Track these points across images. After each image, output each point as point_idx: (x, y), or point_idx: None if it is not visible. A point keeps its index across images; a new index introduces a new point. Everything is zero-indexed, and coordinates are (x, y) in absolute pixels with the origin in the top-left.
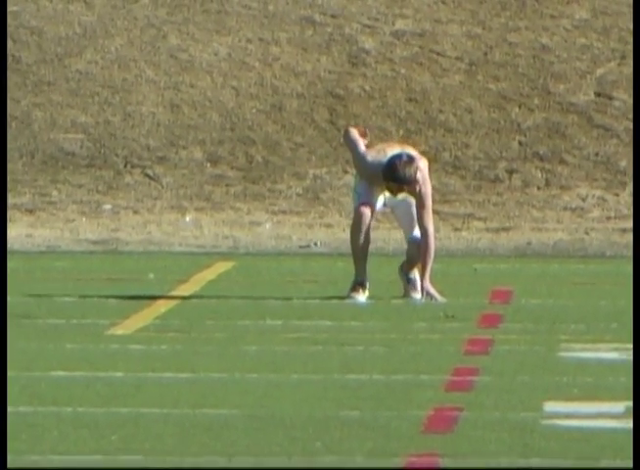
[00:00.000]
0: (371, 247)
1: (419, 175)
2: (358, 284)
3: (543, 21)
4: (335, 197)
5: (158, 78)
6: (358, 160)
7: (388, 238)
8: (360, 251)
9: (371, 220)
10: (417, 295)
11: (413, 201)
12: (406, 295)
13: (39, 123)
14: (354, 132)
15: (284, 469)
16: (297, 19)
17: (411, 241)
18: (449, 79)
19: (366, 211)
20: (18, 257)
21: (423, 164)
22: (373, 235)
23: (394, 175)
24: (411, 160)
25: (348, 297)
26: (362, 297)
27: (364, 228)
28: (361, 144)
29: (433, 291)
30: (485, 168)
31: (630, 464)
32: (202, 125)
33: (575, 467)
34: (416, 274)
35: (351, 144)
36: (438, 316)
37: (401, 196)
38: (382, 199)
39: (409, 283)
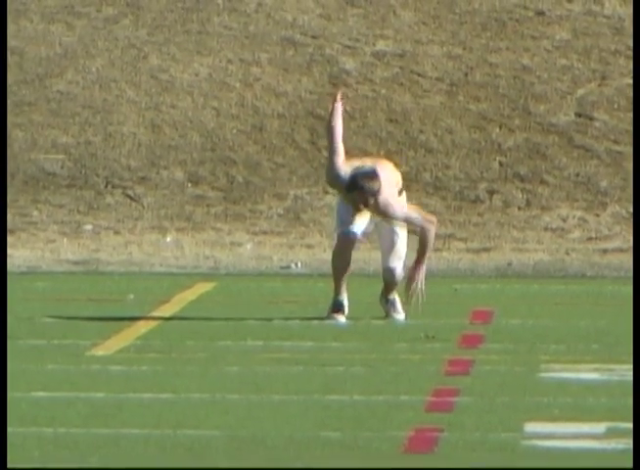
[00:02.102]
0: (352, 267)
1: (386, 192)
2: (338, 305)
3: (524, 41)
4: (316, 217)
5: (138, 99)
6: (330, 168)
7: (368, 259)
8: (340, 273)
9: (353, 246)
10: (399, 315)
11: (397, 229)
12: (388, 316)
13: (20, 144)
14: (338, 132)
15: None
16: (278, 39)
17: (386, 268)
18: (430, 100)
19: (348, 238)
20: None
21: (396, 177)
22: (353, 256)
23: (355, 185)
24: (375, 175)
25: (329, 317)
26: (342, 318)
27: (346, 254)
28: (340, 152)
29: (423, 283)
30: (466, 189)
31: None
32: (182, 146)
33: None
34: (395, 295)
35: (331, 146)
36: (419, 337)
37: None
38: (366, 221)
39: (388, 304)
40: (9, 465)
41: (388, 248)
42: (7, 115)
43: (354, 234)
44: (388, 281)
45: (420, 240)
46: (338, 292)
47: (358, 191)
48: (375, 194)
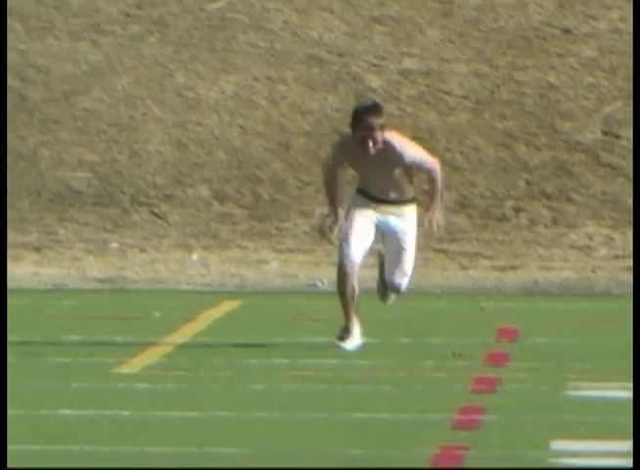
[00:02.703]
0: (359, 290)
1: (398, 137)
2: (343, 330)
3: (550, 59)
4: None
5: (164, 116)
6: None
7: None
8: (346, 300)
9: (354, 273)
10: (347, 344)
11: (405, 244)
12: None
13: (46, 161)
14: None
15: None
16: (304, 57)
17: (391, 281)
18: (456, 118)
19: (348, 267)
20: (25, 295)
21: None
22: (376, 274)
23: (359, 120)
24: (378, 109)
25: (335, 344)
26: (347, 344)
27: (348, 282)
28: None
29: (441, 220)
30: (492, 207)
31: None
32: (208, 163)
33: None
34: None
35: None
36: (445, 355)
37: (393, 221)
38: (369, 241)
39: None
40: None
41: (395, 262)
42: (7, 122)
43: (353, 262)
44: (390, 291)
45: (432, 183)
46: (346, 318)
47: (363, 127)
48: (382, 128)
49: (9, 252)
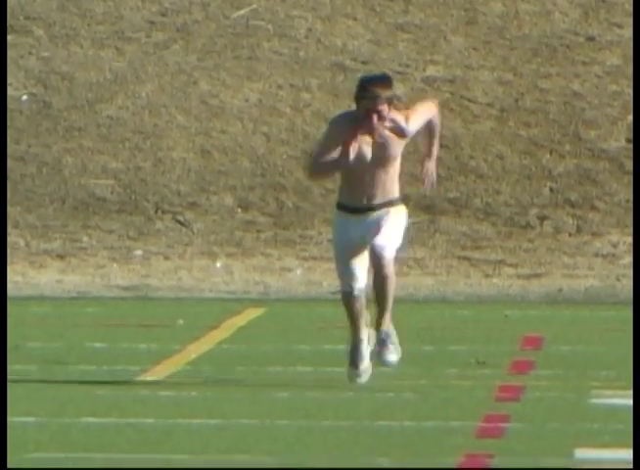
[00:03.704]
0: (402, 293)
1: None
2: (350, 355)
3: (574, 67)
4: None
5: (188, 124)
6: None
7: (418, 284)
8: (354, 321)
9: (361, 300)
10: (392, 357)
11: (387, 221)
12: (378, 357)
13: (70, 169)
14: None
15: None
16: (328, 64)
17: (375, 245)
18: (480, 125)
19: (353, 298)
20: (48, 302)
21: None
22: (403, 281)
23: (364, 91)
24: (387, 81)
25: (349, 377)
26: (363, 375)
27: (355, 310)
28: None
29: (434, 173)
30: (517, 215)
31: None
32: (232, 171)
33: None
34: (389, 327)
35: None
36: (469, 363)
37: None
38: (366, 265)
39: (380, 344)
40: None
41: (378, 233)
42: (7, 127)
43: (360, 291)
44: (374, 259)
45: (432, 131)
46: (354, 335)
47: (368, 97)
48: (390, 102)
49: (33, 259)
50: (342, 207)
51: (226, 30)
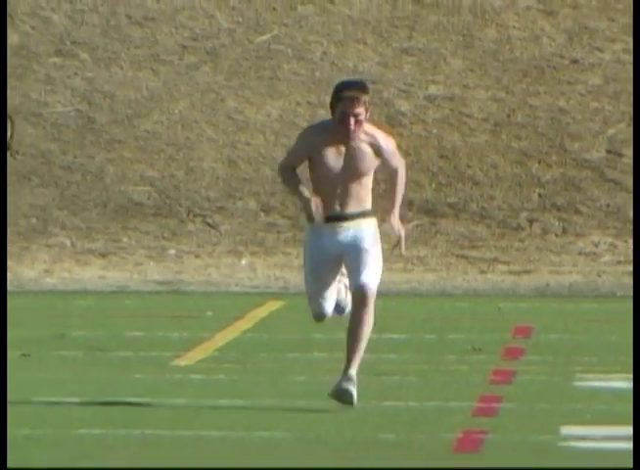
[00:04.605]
0: (405, 288)
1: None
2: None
3: (560, 86)
4: None
5: (217, 137)
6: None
7: (421, 280)
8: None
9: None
10: (353, 389)
11: (365, 246)
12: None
13: (111, 177)
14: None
15: None
16: None
17: (359, 285)
18: (476, 138)
19: (320, 320)
20: (92, 296)
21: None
22: (407, 277)
23: (340, 93)
24: (363, 87)
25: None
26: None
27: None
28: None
29: (402, 233)
30: (509, 218)
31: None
32: (256, 179)
33: None
34: (355, 373)
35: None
36: (466, 349)
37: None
38: (334, 279)
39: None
40: (9, 465)
41: (359, 263)
42: (6, 127)
43: (324, 315)
44: (356, 294)
45: (395, 181)
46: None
47: (344, 99)
48: (366, 107)
49: (78, 257)
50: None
51: (250, 54)
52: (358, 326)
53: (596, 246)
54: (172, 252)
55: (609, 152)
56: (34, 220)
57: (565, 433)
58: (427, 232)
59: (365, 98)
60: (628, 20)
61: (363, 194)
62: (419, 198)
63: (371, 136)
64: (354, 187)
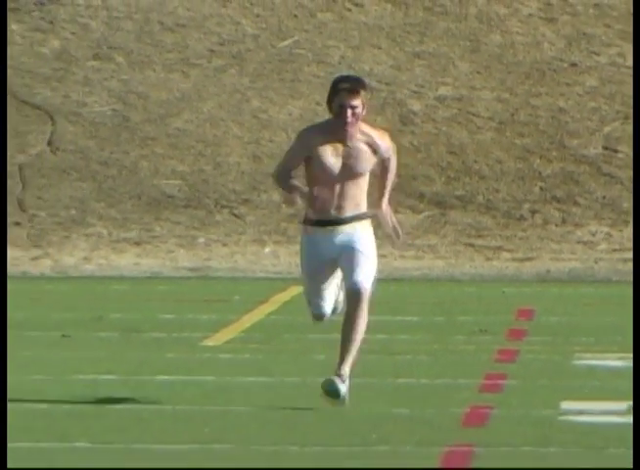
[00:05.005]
0: (417, 274)
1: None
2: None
3: (560, 87)
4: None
5: (242, 134)
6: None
7: (431, 266)
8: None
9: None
10: (343, 387)
11: (359, 247)
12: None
13: (145, 172)
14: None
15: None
16: None
17: (352, 283)
18: (482, 135)
19: (320, 321)
20: (127, 281)
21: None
22: (418, 264)
23: (335, 90)
24: (361, 84)
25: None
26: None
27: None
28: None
29: (395, 222)
30: (512, 209)
31: (630, 454)
32: None
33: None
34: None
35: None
36: (473, 331)
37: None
38: (333, 281)
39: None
40: (8, 465)
41: (353, 264)
42: (6, 127)
43: (323, 316)
44: (351, 294)
45: (386, 173)
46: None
47: (341, 91)
48: (363, 101)
49: (114, 246)
50: (309, 222)
51: (273, 57)
52: (351, 326)
53: (593, 235)
54: (201, 240)
55: (605, 148)
56: (74, 212)
57: (564, 408)
58: (437, 222)
59: (362, 92)
60: (623, 26)
61: (359, 196)
62: (429, 191)
63: (367, 135)
64: (351, 188)
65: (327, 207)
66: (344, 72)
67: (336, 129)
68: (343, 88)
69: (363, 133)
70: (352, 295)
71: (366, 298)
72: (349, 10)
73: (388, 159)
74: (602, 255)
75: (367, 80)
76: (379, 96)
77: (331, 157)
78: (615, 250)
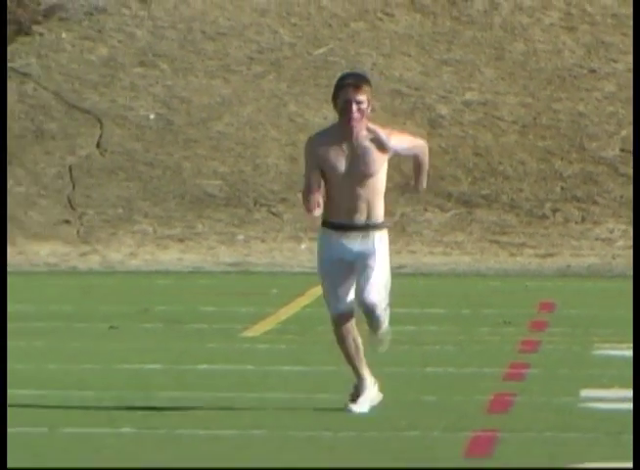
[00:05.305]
0: (444, 269)
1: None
2: (354, 392)
3: (580, 93)
4: (417, 230)
5: (280, 137)
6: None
7: (459, 262)
8: (350, 357)
9: (351, 321)
10: (356, 407)
11: (372, 264)
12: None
13: (187, 172)
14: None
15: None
16: (388, 91)
17: (366, 303)
18: (507, 138)
19: (344, 318)
20: (171, 276)
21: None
22: (446, 260)
23: (340, 87)
24: (364, 81)
25: (346, 408)
26: (357, 406)
27: (349, 336)
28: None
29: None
30: (535, 208)
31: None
32: None
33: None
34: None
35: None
36: (498, 322)
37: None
38: (351, 280)
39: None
40: (9, 465)
41: (365, 279)
42: (6, 127)
43: (349, 311)
44: (367, 315)
45: (418, 162)
46: (356, 375)
47: (346, 86)
48: (368, 97)
49: (159, 242)
50: (325, 223)
51: (309, 64)
52: (369, 342)
53: (611, 232)
54: (241, 237)
55: (622, 150)
56: (120, 210)
57: (584, 395)
58: (463, 220)
59: (367, 88)
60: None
61: (373, 200)
62: (456, 190)
63: (372, 132)
64: (363, 190)
65: (340, 209)
66: (348, 73)
67: (341, 128)
68: (348, 83)
69: (368, 130)
70: (365, 313)
71: (380, 313)
72: (381, 19)
73: (398, 149)
74: (619, 251)
75: (369, 76)
76: (408, 101)
77: (337, 157)
78: (631, 246)
